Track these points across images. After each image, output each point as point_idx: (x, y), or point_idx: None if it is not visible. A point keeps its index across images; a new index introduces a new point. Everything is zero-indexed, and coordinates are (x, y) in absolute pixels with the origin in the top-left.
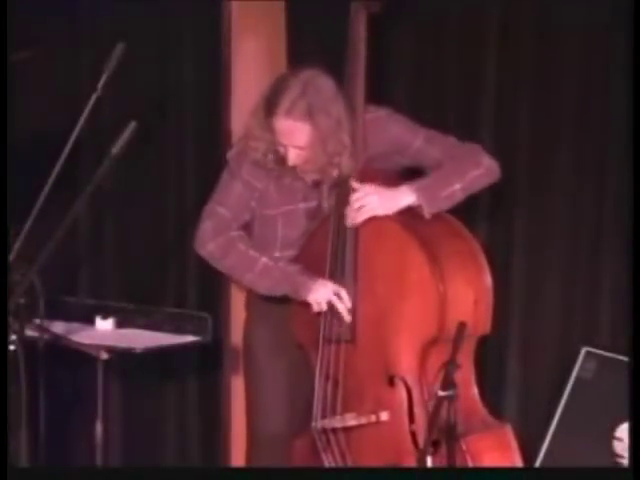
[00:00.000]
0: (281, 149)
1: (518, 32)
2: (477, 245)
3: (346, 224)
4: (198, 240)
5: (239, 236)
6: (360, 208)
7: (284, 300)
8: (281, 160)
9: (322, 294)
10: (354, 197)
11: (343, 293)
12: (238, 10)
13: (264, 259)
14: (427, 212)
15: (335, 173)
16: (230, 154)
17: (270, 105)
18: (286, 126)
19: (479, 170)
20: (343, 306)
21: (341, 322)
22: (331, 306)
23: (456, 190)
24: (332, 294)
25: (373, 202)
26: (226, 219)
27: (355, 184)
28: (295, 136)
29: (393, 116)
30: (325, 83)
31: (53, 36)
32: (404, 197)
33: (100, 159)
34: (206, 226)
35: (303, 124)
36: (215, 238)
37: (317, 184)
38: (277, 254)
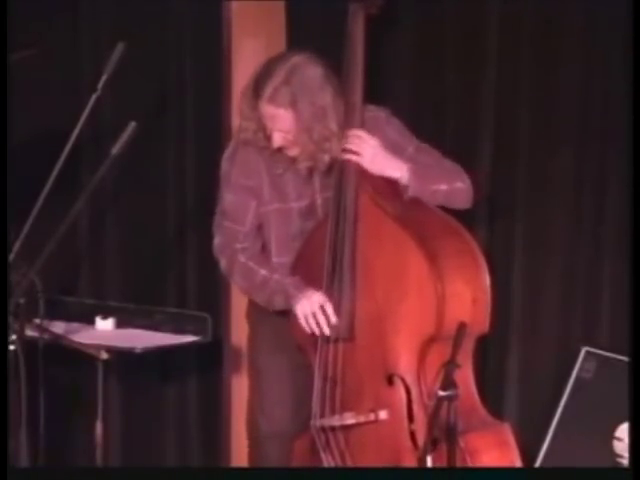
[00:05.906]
0: (267, 130)
1: (518, 34)
2: (476, 244)
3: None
4: (215, 256)
5: (242, 249)
6: (352, 150)
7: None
8: (270, 138)
9: (307, 307)
10: (354, 139)
11: (328, 306)
12: (238, 10)
13: (263, 271)
14: (411, 193)
15: (327, 158)
16: (223, 158)
17: (256, 88)
18: (269, 111)
19: (464, 184)
20: (323, 319)
21: (339, 321)
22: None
23: (442, 190)
24: (317, 307)
25: (365, 152)
26: (232, 230)
27: (361, 132)
28: (278, 121)
29: (391, 119)
30: (312, 71)
31: (53, 36)
32: (396, 168)
33: (100, 159)
34: (215, 242)
35: (285, 111)
36: (223, 253)
37: (310, 176)
38: (274, 259)
